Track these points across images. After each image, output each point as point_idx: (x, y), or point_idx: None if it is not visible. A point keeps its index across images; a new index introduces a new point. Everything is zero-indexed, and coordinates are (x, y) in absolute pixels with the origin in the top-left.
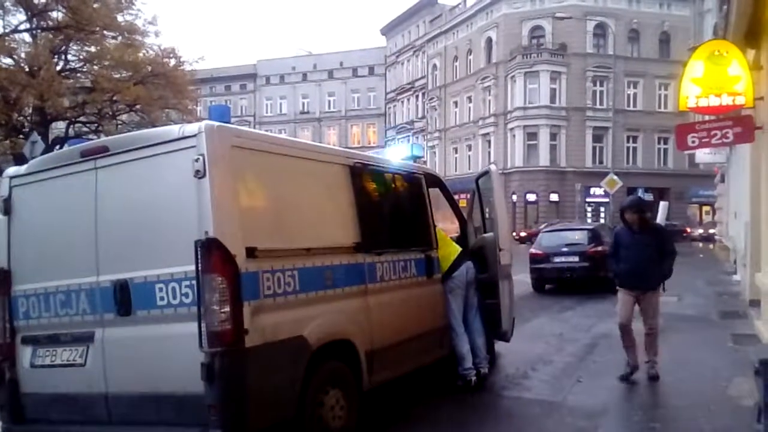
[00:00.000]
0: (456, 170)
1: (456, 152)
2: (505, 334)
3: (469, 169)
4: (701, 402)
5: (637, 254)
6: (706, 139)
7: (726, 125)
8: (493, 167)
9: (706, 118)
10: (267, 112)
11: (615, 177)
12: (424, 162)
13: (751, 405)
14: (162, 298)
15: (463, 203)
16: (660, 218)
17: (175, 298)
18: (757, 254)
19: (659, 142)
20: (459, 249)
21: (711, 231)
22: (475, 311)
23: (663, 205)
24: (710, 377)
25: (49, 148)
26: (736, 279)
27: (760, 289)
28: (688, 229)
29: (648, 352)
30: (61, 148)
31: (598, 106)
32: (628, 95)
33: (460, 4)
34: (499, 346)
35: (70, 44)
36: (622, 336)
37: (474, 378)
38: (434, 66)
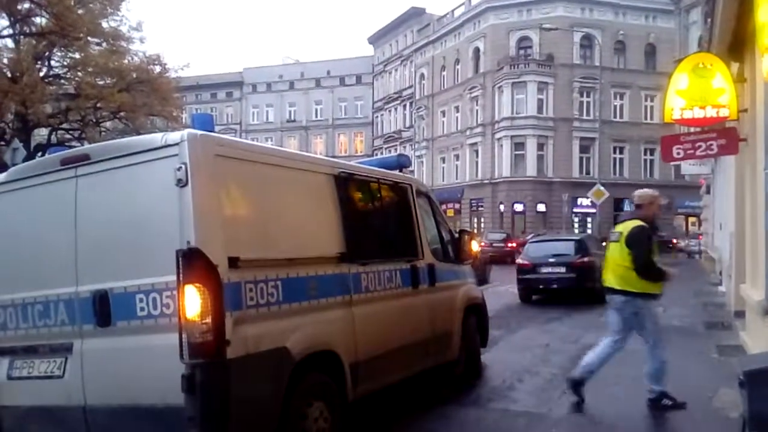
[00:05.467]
0: (444, 180)
1: (443, 162)
2: None
3: (457, 179)
4: (687, 413)
5: None
6: (691, 151)
7: (710, 137)
8: None
9: (692, 129)
10: (253, 120)
11: (602, 188)
12: (412, 172)
13: (737, 416)
14: (142, 309)
15: (450, 213)
16: None
17: (155, 308)
18: (741, 265)
19: (645, 153)
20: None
21: (697, 241)
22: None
23: None
24: (696, 388)
25: (30, 155)
26: (722, 290)
27: (744, 300)
28: (675, 240)
29: None
30: (43, 155)
31: (584, 116)
32: (615, 106)
33: (447, 14)
34: (486, 357)
35: (54, 50)
36: None
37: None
38: (422, 75)
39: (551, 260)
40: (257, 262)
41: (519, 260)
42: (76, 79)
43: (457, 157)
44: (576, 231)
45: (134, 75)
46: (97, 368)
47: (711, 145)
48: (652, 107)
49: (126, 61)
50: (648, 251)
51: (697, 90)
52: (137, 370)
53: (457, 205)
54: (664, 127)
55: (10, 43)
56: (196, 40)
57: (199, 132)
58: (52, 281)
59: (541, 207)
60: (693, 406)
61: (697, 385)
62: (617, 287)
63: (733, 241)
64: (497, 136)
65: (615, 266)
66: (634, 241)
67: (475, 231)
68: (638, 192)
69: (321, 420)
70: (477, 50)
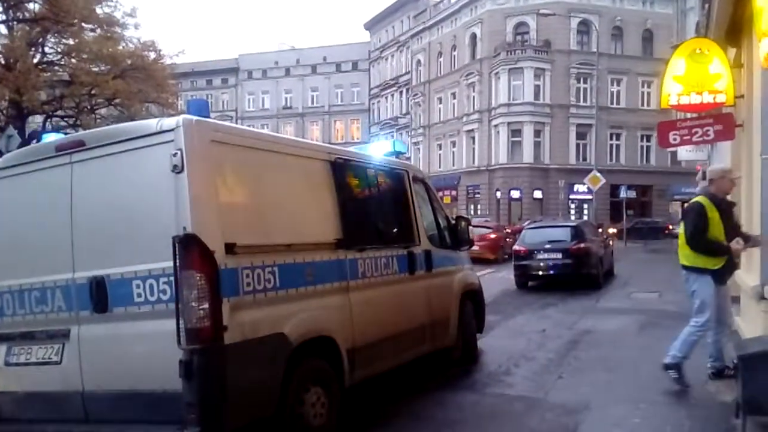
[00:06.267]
0: (440, 167)
1: (440, 149)
2: None
3: (453, 165)
4: (681, 397)
5: None
6: (688, 137)
7: (707, 123)
8: None
9: (688, 115)
10: (249, 107)
11: (598, 174)
12: (408, 158)
13: (730, 400)
14: (139, 295)
15: (447, 200)
16: None
17: (152, 294)
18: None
19: (642, 140)
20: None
21: None
22: None
23: None
24: (690, 372)
25: (25, 142)
26: None
27: (739, 285)
28: (670, 226)
29: None
30: (37, 142)
31: (581, 103)
32: (612, 92)
33: None
34: (482, 342)
35: (48, 36)
36: None
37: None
38: (418, 62)
39: (548, 246)
40: (254, 248)
41: (515, 246)
42: (71, 65)
43: (453, 143)
44: (572, 217)
45: (129, 61)
46: (95, 354)
47: (707, 130)
48: (649, 93)
49: (120, 48)
50: (697, 225)
51: (694, 75)
52: (135, 355)
53: (453, 192)
54: (661, 113)
55: (3, 29)
56: (191, 26)
57: (195, 118)
58: (49, 268)
59: (538, 194)
60: (688, 389)
61: (693, 369)
62: (681, 262)
63: None
64: (494, 122)
65: (680, 242)
66: (686, 215)
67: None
68: (710, 167)
69: (318, 405)
70: (474, 36)
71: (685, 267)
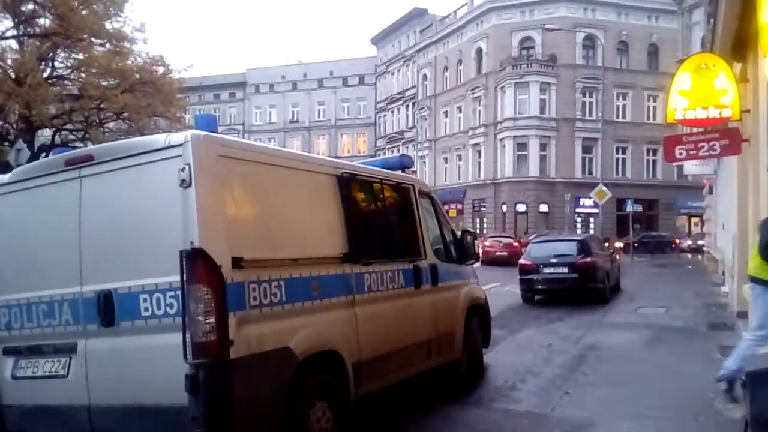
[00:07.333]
0: (446, 180)
1: (446, 162)
2: None
3: (459, 179)
4: (689, 413)
5: None
6: (694, 151)
7: (713, 137)
8: None
9: (694, 130)
10: (256, 121)
11: (604, 188)
12: (414, 172)
13: (738, 417)
14: (146, 309)
15: (453, 213)
16: None
17: (159, 308)
18: (744, 266)
19: (648, 154)
20: None
21: (700, 242)
22: None
23: None
24: (698, 389)
25: (34, 156)
26: (725, 290)
27: (747, 300)
28: (677, 240)
29: None
30: (47, 155)
31: (587, 117)
32: (617, 107)
33: (450, 14)
34: (488, 357)
35: (58, 51)
36: None
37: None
38: (424, 76)
39: (554, 260)
40: (260, 262)
41: (521, 260)
42: (80, 80)
43: (459, 157)
44: (579, 231)
45: (137, 76)
46: (101, 368)
47: (714, 145)
48: (654, 107)
49: (129, 62)
50: None
51: (700, 90)
52: (141, 370)
53: (459, 206)
54: (666, 127)
55: (14, 44)
56: (199, 40)
57: (203, 132)
58: (57, 281)
59: (544, 207)
60: (695, 407)
61: (699, 385)
62: (748, 272)
63: (735, 241)
64: (500, 136)
65: (752, 252)
66: (762, 226)
67: (477, 231)
68: None
69: (323, 420)
70: (479, 51)
71: (751, 277)
